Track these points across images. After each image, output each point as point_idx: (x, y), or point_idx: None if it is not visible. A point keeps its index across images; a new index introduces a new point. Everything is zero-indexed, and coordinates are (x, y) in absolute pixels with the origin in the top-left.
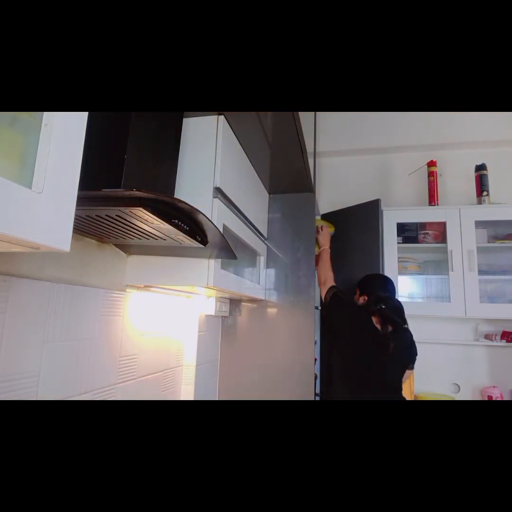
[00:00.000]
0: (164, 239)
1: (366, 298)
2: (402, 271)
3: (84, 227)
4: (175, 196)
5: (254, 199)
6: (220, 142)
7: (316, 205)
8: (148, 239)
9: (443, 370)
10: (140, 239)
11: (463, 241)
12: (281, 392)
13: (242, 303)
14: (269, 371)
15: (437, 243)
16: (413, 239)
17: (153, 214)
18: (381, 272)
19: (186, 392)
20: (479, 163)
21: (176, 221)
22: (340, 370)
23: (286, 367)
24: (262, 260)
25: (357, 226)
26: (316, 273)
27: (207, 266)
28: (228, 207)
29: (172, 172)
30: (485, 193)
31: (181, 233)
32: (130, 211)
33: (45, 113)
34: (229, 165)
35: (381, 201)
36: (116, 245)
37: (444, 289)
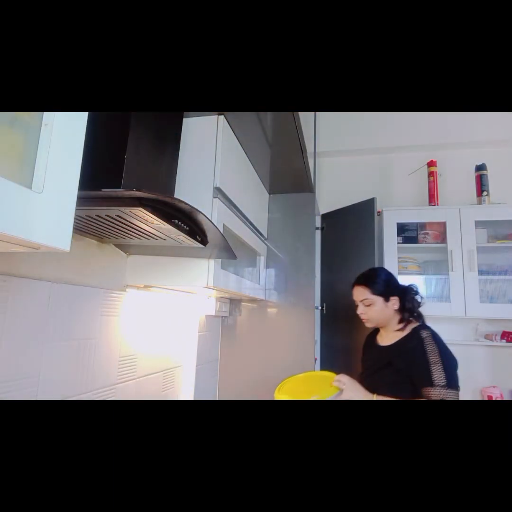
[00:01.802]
0: (164, 239)
1: (398, 298)
2: (402, 271)
3: (84, 227)
4: (175, 196)
5: (254, 199)
6: (220, 142)
7: (316, 205)
8: (148, 239)
9: None
10: (140, 239)
11: (463, 241)
12: None
13: (242, 303)
14: (269, 371)
15: (437, 243)
16: (413, 239)
17: (153, 214)
18: None
19: (186, 392)
20: (479, 163)
21: (176, 221)
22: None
23: (286, 367)
24: (262, 260)
25: (352, 225)
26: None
27: (207, 266)
28: (228, 207)
29: (172, 172)
30: (485, 193)
31: (181, 233)
32: (130, 211)
33: (45, 113)
34: (229, 165)
35: (381, 201)
36: (116, 245)
37: (444, 289)
